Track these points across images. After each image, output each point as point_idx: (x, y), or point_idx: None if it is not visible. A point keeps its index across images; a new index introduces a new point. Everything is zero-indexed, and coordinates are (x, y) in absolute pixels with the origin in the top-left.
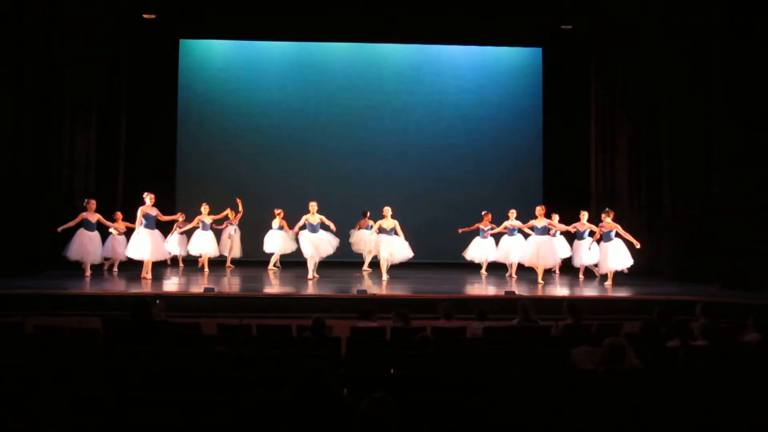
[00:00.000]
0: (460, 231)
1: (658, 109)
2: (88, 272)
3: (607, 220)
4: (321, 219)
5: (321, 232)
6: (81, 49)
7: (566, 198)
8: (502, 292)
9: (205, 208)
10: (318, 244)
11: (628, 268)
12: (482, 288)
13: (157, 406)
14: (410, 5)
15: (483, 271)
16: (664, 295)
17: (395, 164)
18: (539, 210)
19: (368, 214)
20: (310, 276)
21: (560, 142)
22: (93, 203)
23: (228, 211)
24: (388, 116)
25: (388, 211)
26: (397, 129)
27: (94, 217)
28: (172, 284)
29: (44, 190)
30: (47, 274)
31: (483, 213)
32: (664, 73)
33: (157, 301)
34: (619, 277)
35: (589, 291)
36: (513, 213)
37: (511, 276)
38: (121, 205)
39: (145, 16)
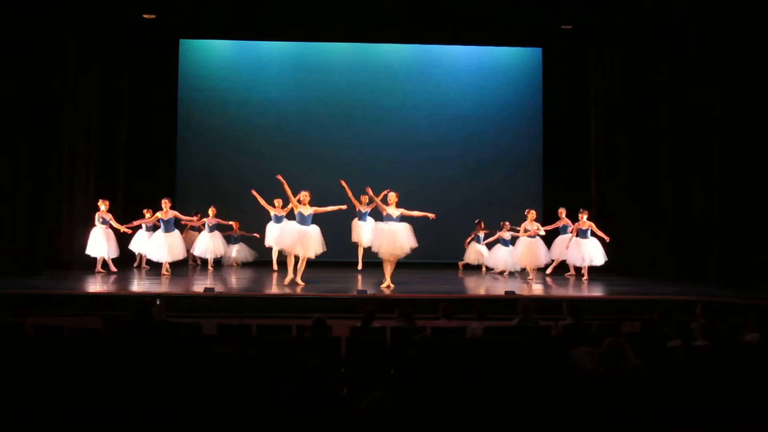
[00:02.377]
0: (467, 244)
1: (658, 109)
2: (113, 268)
3: (584, 218)
4: (315, 211)
5: (313, 226)
6: (81, 49)
7: (566, 198)
8: (502, 292)
9: (212, 211)
10: (306, 239)
11: (602, 264)
12: (482, 288)
13: (157, 406)
14: (410, 5)
15: (483, 273)
16: (664, 295)
17: (395, 164)
18: (530, 214)
19: (365, 198)
20: (298, 279)
21: (560, 142)
22: (106, 203)
23: (234, 225)
24: (388, 116)
25: (393, 197)
26: (396, 129)
27: (108, 216)
28: (172, 284)
29: (44, 189)
30: (47, 274)
31: (476, 221)
32: (664, 73)
33: (157, 302)
34: (620, 277)
35: (589, 291)
36: (507, 225)
37: (506, 274)
38: (120, 204)
39: (145, 16)
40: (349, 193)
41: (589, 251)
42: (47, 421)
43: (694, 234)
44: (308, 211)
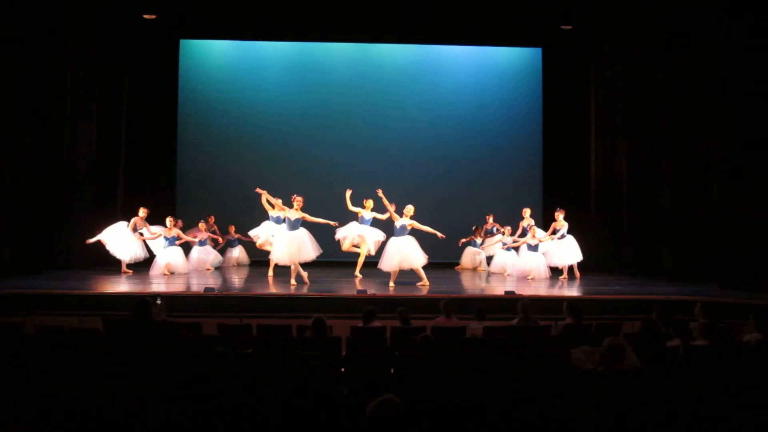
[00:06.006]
0: (460, 244)
1: (658, 109)
2: (125, 268)
3: (560, 218)
4: (303, 217)
5: (302, 230)
6: (81, 50)
7: (566, 198)
8: (502, 292)
9: (202, 225)
10: (298, 246)
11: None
12: (482, 288)
13: (157, 406)
14: (410, 5)
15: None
16: (664, 295)
17: (395, 164)
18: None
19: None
20: (292, 281)
21: (560, 142)
22: (145, 211)
23: (230, 229)
24: (388, 116)
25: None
26: (396, 129)
27: (142, 224)
28: (172, 284)
29: (44, 190)
30: (47, 274)
31: (473, 228)
32: (664, 73)
33: (158, 302)
34: (620, 277)
35: (589, 291)
36: (508, 230)
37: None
38: (121, 206)
39: (145, 16)
40: (387, 204)
41: (567, 250)
42: (48, 421)
43: (694, 234)
44: (295, 215)
